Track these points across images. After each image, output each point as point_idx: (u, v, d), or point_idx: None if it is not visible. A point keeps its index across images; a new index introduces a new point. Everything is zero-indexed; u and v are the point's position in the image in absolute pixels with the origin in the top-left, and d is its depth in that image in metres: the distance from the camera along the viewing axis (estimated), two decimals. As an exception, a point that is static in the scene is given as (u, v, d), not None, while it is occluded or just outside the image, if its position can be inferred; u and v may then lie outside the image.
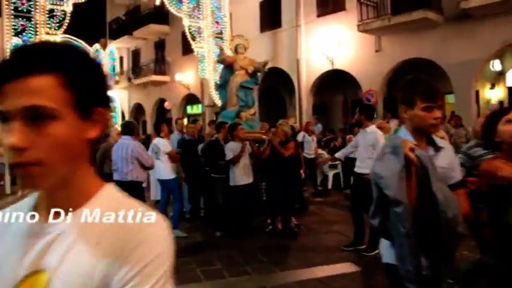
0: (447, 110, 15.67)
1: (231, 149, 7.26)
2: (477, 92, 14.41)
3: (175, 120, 10.69)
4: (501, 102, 15.18)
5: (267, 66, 9.95)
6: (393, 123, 14.36)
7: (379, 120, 14.40)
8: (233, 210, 7.32)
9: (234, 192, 7.27)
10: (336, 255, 6.22)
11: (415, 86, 2.40)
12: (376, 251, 6.06)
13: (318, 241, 7.06)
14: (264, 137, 8.69)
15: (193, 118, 18.27)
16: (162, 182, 7.65)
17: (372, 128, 6.28)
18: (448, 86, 14.15)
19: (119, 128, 9.05)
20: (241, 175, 7.24)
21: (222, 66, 10.31)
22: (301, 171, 8.69)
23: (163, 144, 7.50)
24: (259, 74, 9.80)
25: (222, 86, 9.79)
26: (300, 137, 11.33)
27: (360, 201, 6.29)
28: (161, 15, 24.76)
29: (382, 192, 2.19)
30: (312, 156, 11.29)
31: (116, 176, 6.01)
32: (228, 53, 11.09)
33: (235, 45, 9.73)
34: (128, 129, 6.23)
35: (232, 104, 9.33)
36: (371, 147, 6.11)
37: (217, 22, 17.31)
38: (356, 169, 6.42)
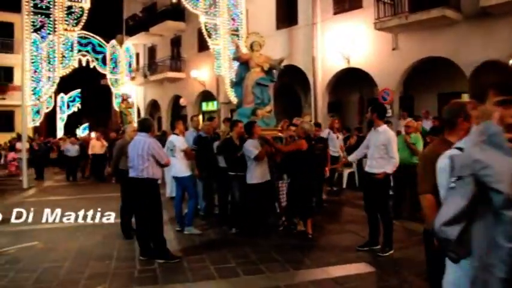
0: (464, 109, 15.49)
1: (255, 146, 7.20)
2: (495, 91, 14.21)
3: (191, 117, 10.73)
4: (520, 102, 14.96)
5: (283, 64, 9.90)
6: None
7: (405, 119, 14.28)
8: (248, 208, 7.31)
9: (250, 190, 7.26)
10: (351, 255, 6.20)
11: (487, 73, 1.80)
12: (391, 252, 6.05)
13: (332, 241, 7.05)
14: (281, 134, 8.66)
15: (210, 115, 18.28)
16: (177, 179, 7.69)
17: (384, 128, 6.23)
18: (465, 85, 13.97)
19: (135, 125, 9.12)
20: (259, 173, 7.23)
21: (237, 63, 10.28)
22: (326, 168, 8.71)
23: (178, 141, 7.53)
24: (275, 71, 9.76)
25: (237, 84, 9.76)
26: (324, 134, 11.15)
27: (373, 201, 6.26)
28: (177, 12, 24.88)
29: (481, 186, 1.59)
30: (337, 154, 11.00)
31: (131, 173, 6.06)
32: (244, 50, 11.08)
33: (250, 42, 9.70)
34: (144, 126, 6.26)
35: (248, 102, 9.31)
36: (383, 146, 6.07)
37: (233, 19, 17.31)
38: (367, 169, 6.36)
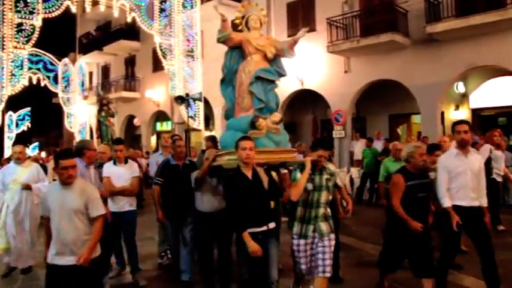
0: (414, 130, 16.07)
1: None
2: (442, 113, 14.81)
3: (157, 134, 10.11)
4: (465, 124, 15.60)
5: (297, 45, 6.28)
6: (361, 143, 14.64)
7: (358, 140, 14.65)
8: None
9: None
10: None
11: None
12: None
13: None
14: (300, 159, 5.95)
15: (172, 134, 17.86)
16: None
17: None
18: (414, 107, 14.52)
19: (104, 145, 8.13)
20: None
21: (225, 49, 6.45)
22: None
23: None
24: (283, 59, 6.28)
25: (226, 80, 6.19)
26: (484, 151, 8.31)
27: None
28: (132, 32, 24.67)
29: None
30: (500, 178, 8.64)
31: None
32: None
33: (246, 16, 6.15)
34: (76, 150, 5.19)
35: (245, 107, 5.66)
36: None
37: (188, 40, 17.34)
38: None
